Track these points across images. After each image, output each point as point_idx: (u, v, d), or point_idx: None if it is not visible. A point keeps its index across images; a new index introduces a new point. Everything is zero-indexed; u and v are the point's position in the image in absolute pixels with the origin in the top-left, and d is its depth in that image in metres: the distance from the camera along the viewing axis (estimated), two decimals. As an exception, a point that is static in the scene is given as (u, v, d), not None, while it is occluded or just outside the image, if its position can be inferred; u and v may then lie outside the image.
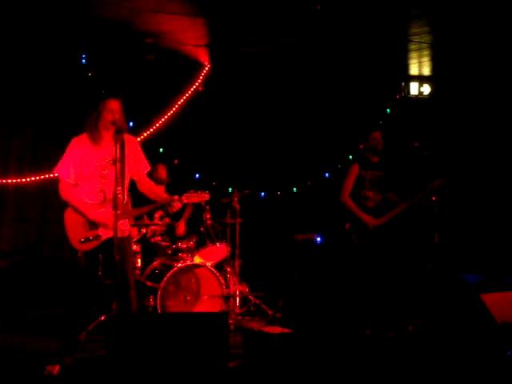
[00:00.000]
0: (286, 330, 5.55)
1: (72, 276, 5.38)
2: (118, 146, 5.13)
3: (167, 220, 7.64)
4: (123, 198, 5.27)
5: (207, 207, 7.63)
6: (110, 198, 5.22)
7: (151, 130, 8.94)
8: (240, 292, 7.71)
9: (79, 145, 5.39)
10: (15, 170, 8.29)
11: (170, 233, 7.76)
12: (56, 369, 5.18)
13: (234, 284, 7.67)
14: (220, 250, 7.68)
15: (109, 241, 5.19)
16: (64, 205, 5.40)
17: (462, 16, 7.33)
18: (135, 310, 5.40)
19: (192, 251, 7.47)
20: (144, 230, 7.46)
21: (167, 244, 7.57)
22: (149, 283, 7.14)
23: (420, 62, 9.11)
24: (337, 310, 6.89)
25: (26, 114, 8.35)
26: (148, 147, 7.15)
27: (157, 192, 5.65)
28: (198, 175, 9.34)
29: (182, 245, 7.48)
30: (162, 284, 6.93)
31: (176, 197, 5.43)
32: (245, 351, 5.37)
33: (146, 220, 7.34)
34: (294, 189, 9.77)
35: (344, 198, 7.17)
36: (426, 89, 9.59)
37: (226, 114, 9.41)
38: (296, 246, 8.58)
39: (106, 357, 4.51)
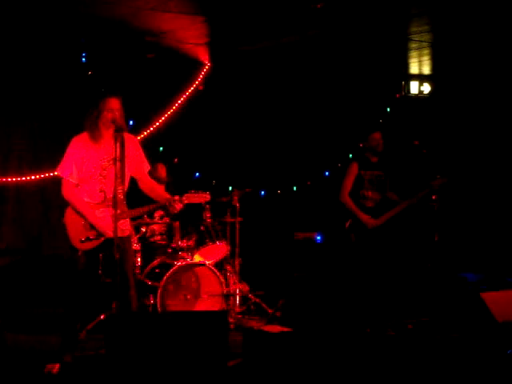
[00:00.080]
0: (285, 329, 5.55)
1: (72, 275, 5.38)
2: (118, 144, 5.12)
3: (167, 220, 7.63)
4: (124, 198, 5.27)
5: (207, 206, 7.62)
6: (110, 198, 5.22)
7: (151, 128, 8.94)
8: (240, 291, 7.71)
9: (80, 144, 5.38)
10: (15, 168, 8.29)
11: (169, 233, 7.75)
12: (56, 367, 5.19)
13: (234, 283, 7.66)
14: (220, 248, 7.68)
15: (109, 240, 5.19)
16: (65, 204, 5.40)
17: (462, 15, 7.33)
18: (135, 309, 5.40)
19: (192, 250, 7.47)
20: (144, 229, 7.46)
21: (167, 243, 7.56)
22: (149, 282, 7.13)
23: (420, 61, 9.11)
24: (337, 309, 6.89)
25: (26, 112, 8.34)
26: (148, 146, 7.15)
27: (158, 191, 5.65)
28: (197, 174, 9.34)
29: (181, 244, 7.48)
30: (162, 283, 6.92)
31: (177, 197, 5.42)
32: (245, 350, 5.37)
33: (146, 219, 7.34)
34: (294, 187, 9.77)
35: (343, 197, 7.17)
36: (426, 88, 9.58)
37: (226, 112, 9.41)
38: (296, 244, 8.58)
39: (106, 355, 4.51)
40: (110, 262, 5.06)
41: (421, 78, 9.58)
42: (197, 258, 7.43)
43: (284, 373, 4.98)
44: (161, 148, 9.07)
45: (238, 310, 7.57)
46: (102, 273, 6.79)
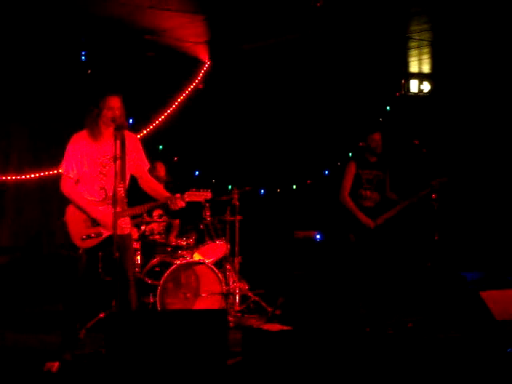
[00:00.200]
0: (285, 328, 5.55)
1: (72, 273, 5.38)
2: (118, 142, 5.12)
3: (166, 219, 7.63)
4: (124, 196, 5.26)
5: (207, 204, 7.62)
6: (111, 195, 5.22)
7: (151, 127, 8.93)
8: (239, 289, 7.71)
9: (80, 141, 5.39)
10: (15, 166, 8.29)
11: (168, 231, 7.75)
12: (55, 365, 5.18)
13: (234, 281, 7.67)
14: (219, 247, 7.68)
15: (110, 238, 5.18)
16: (65, 202, 5.41)
17: (461, 13, 7.33)
18: (135, 307, 5.40)
19: (191, 248, 7.46)
20: (143, 228, 7.46)
21: (166, 241, 7.56)
22: (148, 280, 7.13)
23: (420, 60, 9.11)
24: (336, 308, 6.89)
25: (26, 111, 8.34)
26: (148, 144, 7.15)
27: (158, 189, 5.64)
28: (197, 172, 9.34)
29: (181, 242, 7.48)
30: (162, 281, 6.92)
31: (178, 195, 5.42)
32: (244, 349, 5.37)
33: (145, 217, 7.34)
34: (294, 186, 9.76)
35: (343, 197, 7.16)
36: (426, 86, 9.58)
37: (226, 111, 9.41)
38: (295, 243, 8.58)
39: (106, 354, 4.51)
40: (110, 260, 5.06)
41: (421, 76, 9.58)
42: (196, 257, 7.43)
43: (284, 371, 4.98)
44: (160, 146, 9.06)
45: (237, 308, 7.57)
46: (101, 271, 6.79)
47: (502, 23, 7.53)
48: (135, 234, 7.15)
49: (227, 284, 7.46)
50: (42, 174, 8.23)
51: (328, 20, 7.55)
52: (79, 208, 5.32)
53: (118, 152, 5.09)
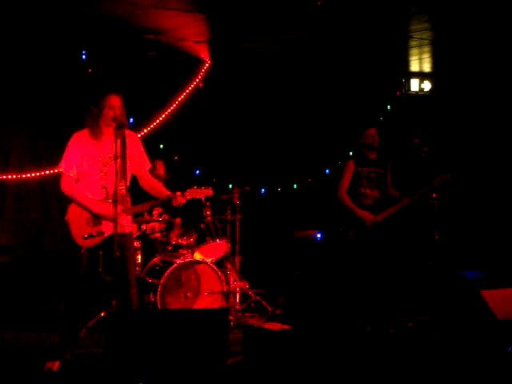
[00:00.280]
0: (286, 327, 5.55)
1: (73, 272, 5.38)
2: (118, 141, 5.12)
3: (166, 217, 7.63)
4: (126, 194, 5.27)
5: (207, 203, 7.63)
6: (112, 194, 5.22)
7: (151, 126, 8.93)
8: (240, 288, 7.71)
9: (80, 140, 5.38)
10: (15, 165, 8.29)
11: (168, 230, 7.75)
12: (56, 365, 5.18)
13: (234, 280, 7.67)
14: (220, 246, 7.68)
15: (111, 237, 5.17)
16: (66, 201, 5.40)
17: (462, 13, 7.32)
18: (135, 306, 5.40)
19: (192, 248, 7.47)
20: (144, 227, 7.46)
21: (167, 240, 7.56)
22: (149, 279, 7.14)
23: (420, 59, 9.10)
24: (337, 307, 6.89)
25: (26, 110, 8.34)
26: (148, 143, 7.14)
27: (158, 188, 5.64)
28: (198, 171, 9.34)
29: (182, 241, 7.48)
30: (162, 280, 6.93)
31: (179, 193, 5.42)
32: (245, 348, 5.37)
33: (146, 216, 7.35)
34: (295, 185, 9.76)
35: (340, 195, 7.15)
36: (427, 85, 9.58)
37: (227, 110, 9.41)
38: (296, 242, 8.58)
39: (106, 353, 4.51)
40: (111, 259, 5.06)
41: (421, 75, 9.57)
42: (197, 256, 7.43)
43: (284, 371, 4.98)
44: (161, 145, 9.06)
45: (238, 307, 7.57)
46: (102, 270, 6.79)
47: (502, 22, 7.53)
48: (134, 230, 7.15)
49: (228, 283, 7.46)
50: (42, 173, 8.22)
51: (328, 19, 7.55)
52: (81, 205, 5.32)
53: (119, 151, 5.10)
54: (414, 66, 9.43)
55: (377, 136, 7.22)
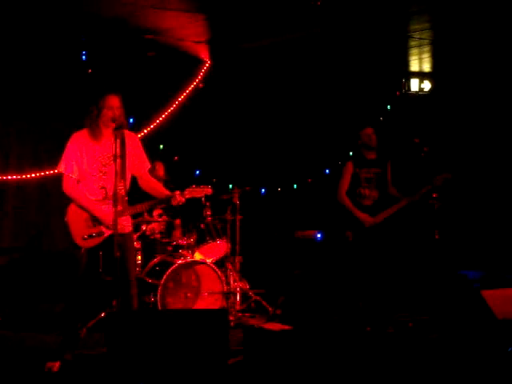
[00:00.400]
0: (286, 327, 5.55)
1: (74, 273, 5.38)
2: (118, 142, 5.12)
3: (166, 218, 7.63)
4: (125, 195, 5.27)
5: (207, 204, 7.63)
6: (111, 195, 5.22)
7: (151, 126, 8.93)
8: (240, 289, 7.71)
9: (79, 140, 5.38)
10: (15, 166, 8.29)
11: (168, 231, 7.75)
12: (56, 365, 5.18)
13: (235, 281, 7.66)
14: (220, 246, 7.68)
15: (111, 238, 5.18)
16: (65, 202, 5.40)
17: (462, 12, 7.32)
18: (136, 307, 5.40)
19: (192, 248, 7.47)
20: (144, 228, 7.46)
21: (167, 241, 7.57)
22: (149, 280, 7.14)
23: (420, 59, 9.10)
24: (337, 307, 6.89)
25: (26, 110, 8.34)
26: (148, 144, 7.13)
27: (158, 189, 5.64)
28: (198, 172, 9.34)
29: (182, 241, 7.48)
30: (163, 281, 6.93)
31: (178, 192, 5.42)
32: (245, 348, 5.37)
33: (146, 217, 7.35)
34: (295, 185, 9.76)
35: (340, 196, 7.14)
36: (427, 85, 9.58)
37: (227, 110, 9.41)
38: (296, 242, 8.58)
39: (107, 353, 4.51)
40: (111, 259, 5.06)
41: (421, 75, 9.58)
42: (197, 256, 7.43)
43: (284, 371, 4.98)
44: (161, 146, 9.06)
45: (238, 307, 7.57)
46: (102, 271, 6.79)
47: (502, 22, 7.53)
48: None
49: (228, 283, 7.46)
50: (42, 173, 8.22)
51: (328, 19, 7.55)
52: (82, 207, 5.32)
53: (118, 151, 5.10)
54: (414, 66, 9.43)
55: (374, 135, 7.21)
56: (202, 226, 7.70)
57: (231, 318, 7.17)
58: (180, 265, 7.07)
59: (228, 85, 9.34)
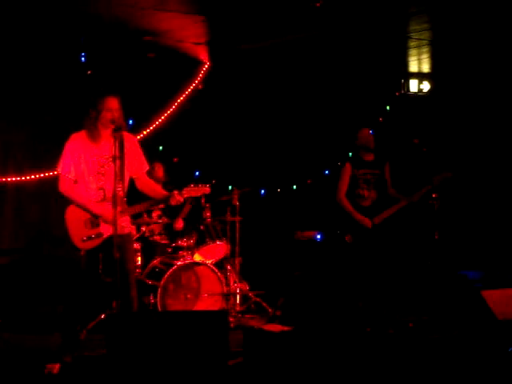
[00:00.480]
0: (286, 328, 5.55)
1: (73, 274, 5.38)
2: (116, 143, 5.13)
3: (165, 219, 7.63)
4: (124, 196, 5.27)
5: (207, 205, 7.63)
6: (109, 196, 5.22)
7: (151, 128, 8.92)
8: (240, 290, 7.71)
9: (78, 141, 5.39)
10: (15, 168, 8.28)
11: (168, 231, 7.74)
12: (56, 367, 5.18)
13: (234, 282, 7.66)
14: (220, 248, 7.68)
15: (110, 239, 5.18)
16: (64, 203, 5.40)
17: (461, 13, 7.32)
18: (136, 308, 5.40)
19: (192, 249, 7.46)
20: (143, 229, 7.46)
21: (167, 242, 7.57)
22: (149, 281, 7.13)
23: (419, 59, 9.10)
24: (337, 308, 6.88)
25: (25, 112, 8.33)
26: (147, 145, 7.12)
27: (156, 190, 5.65)
28: (197, 173, 9.33)
29: (181, 243, 7.48)
30: (162, 282, 6.92)
31: (176, 191, 5.42)
32: (245, 349, 5.37)
33: (145, 218, 7.35)
34: (294, 186, 9.76)
35: (339, 198, 7.15)
36: (426, 86, 9.59)
37: (226, 111, 9.40)
38: (296, 243, 8.58)
39: (107, 355, 4.50)
40: (111, 260, 5.06)
41: (420, 76, 9.58)
42: (197, 258, 7.43)
43: (284, 372, 4.98)
44: (160, 147, 9.06)
45: (238, 309, 7.57)
46: (102, 272, 6.78)
47: (501, 22, 7.53)
48: (133, 232, 7.15)
49: (228, 285, 7.46)
50: (41, 175, 8.22)
51: (327, 20, 7.55)
52: (79, 206, 5.32)
53: (117, 152, 5.10)
54: (413, 67, 9.43)
55: (371, 136, 7.23)
56: (202, 227, 7.70)
57: (231, 320, 7.17)
58: (180, 266, 7.06)
59: (227, 86, 9.33)
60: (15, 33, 7.79)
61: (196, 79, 9.23)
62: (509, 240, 8.50)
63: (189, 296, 7.23)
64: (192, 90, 9.22)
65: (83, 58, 8.40)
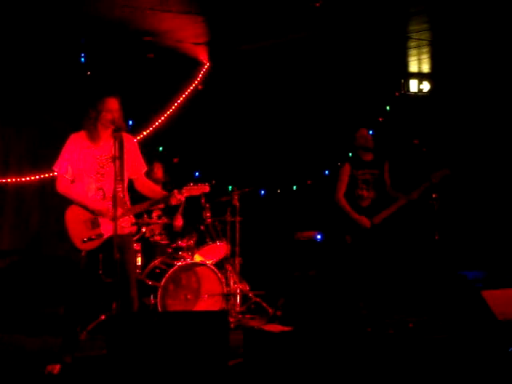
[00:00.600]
0: (286, 329, 5.54)
1: (73, 275, 5.38)
2: (116, 144, 5.13)
3: (165, 220, 7.63)
4: (123, 196, 5.27)
5: (207, 205, 7.63)
6: (109, 196, 5.23)
7: (151, 128, 8.93)
8: (240, 290, 7.71)
9: (77, 141, 5.39)
10: (15, 169, 8.28)
11: (168, 231, 7.74)
12: (56, 368, 5.18)
13: (235, 282, 7.66)
14: (220, 248, 7.68)
15: (110, 239, 5.18)
16: (65, 204, 5.40)
17: (461, 13, 7.32)
18: (136, 309, 5.39)
19: (192, 250, 7.46)
20: (143, 229, 7.46)
21: (167, 242, 7.56)
22: (149, 282, 7.13)
23: (419, 59, 9.10)
24: (337, 308, 6.88)
25: (25, 113, 8.33)
26: (147, 146, 7.13)
27: (155, 190, 5.65)
28: (197, 173, 9.33)
29: (182, 243, 7.47)
30: (163, 283, 6.92)
31: (176, 190, 5.42)
32: (245, 350, 5.37)
33: (145, 218, 7.34)
34: (294, 187, 9.76)
35: (338, 198, 7.15)
36: (426, 86, 9.58)
37: (226, 112, 9.40)
38: (296, 244, 8.57)
39: (107, 356, 4.51)
40: (111, 261, 5.05)
41: (420, 76, 9.58)
42: (197, 258, 7.43)
43: (284, 372, 4.98)
44: (160, 148, 9.06)
45: (238, 309, 7.57)
46: (102, 273, 6.79)
47: (501, 22, 7.53)
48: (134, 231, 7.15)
49: (228, 285, 7.46)
50: (41, 176, 8.22)
51: (327, 20, 7.55)
52: (78, 204, 5.32)
53: (117, 153, 5.11)
54: (413, 67, 9.43)
55: (369, 136, 7.23)
56: (202, 227, 7.69)
57: (231, 320, 7.17)
58: (180, 267, 7.06)
59: (227, 86, 9.33)
60: (15, 34, 7.79)
61: (196, 80, 9.23)
62: (509, 240, 8.49)
63: (189, 296, 7.23)
64: (192, 90, 9.22)
65: (83, 59, 8.41)
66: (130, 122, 7.83)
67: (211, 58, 9.07)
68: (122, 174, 5.20)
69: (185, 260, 7.19)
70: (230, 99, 9.39)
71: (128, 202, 5.46)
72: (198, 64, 9.18)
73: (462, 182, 8.84)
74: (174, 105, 9.11)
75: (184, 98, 9.17)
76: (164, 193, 5.59)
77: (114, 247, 4.99)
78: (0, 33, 7.68)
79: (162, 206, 7.23)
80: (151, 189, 5.63)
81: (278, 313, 7.32)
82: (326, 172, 9.64)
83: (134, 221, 5.68)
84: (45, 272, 8.16)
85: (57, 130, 8.16)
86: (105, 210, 5.27)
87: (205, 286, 7.27)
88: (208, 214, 7.64)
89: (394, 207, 7.10)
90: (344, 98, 9.48)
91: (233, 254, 7.77)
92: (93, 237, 5.30)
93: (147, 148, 7.45)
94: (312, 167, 9.68)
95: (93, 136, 5.38)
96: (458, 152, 9.18)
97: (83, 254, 5.31)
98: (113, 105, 5.34)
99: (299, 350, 5.10)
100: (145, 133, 8.84)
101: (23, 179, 8.24)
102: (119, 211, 5.14)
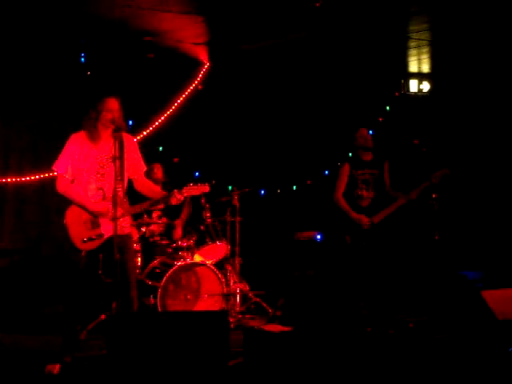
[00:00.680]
0: (286, 329, 5.54)
1: (73, 275, 5.38)
2: (116, 144, 5.13)
3: (165, 220, 7.63)
4: (123, 196, 5.27)
5: (207, 205, 7.63)
6: (109, 196, 5.23)
7: (151, 128, 8.93)
8: (240, 290, 7.70)
9: (77, 141, 5.40)
10: (15, 169, 8.28)
11: (168, 233, 7.74)
12: (56, 368, 5.18)
13: (235, 282, 7.66)
14: (220, 248, 7.68)
15: (110, 240, 5.18)
16: (65, 204, 5.40)
17: (461, 13, 7.33)
18: (136, 309, 5.39)
19: (192, 250, 7.46)
20: (143, 230, 7.46)
21: (167, 242, 7.56)
22: (149, 282, 7.13)
23: (419, 59, 9.10)
24: (337, 308, 6.88)
25: (25, 112, 8.34)
26: (147, 146, 7.12)
27: (155, 190, 5.65)
28: (197, 173, 9.33)
29: (181, 243, 7.47)
30: (163, 283, 6.92)
31: (176, 190, 5.42)
32: (245, 350, 5.37)
33: (145, 218, 7.34)
34: (294, 187, 9.76)
35: (336, 198, 7.16)
36: (426, 86, 9.59)
37: (226, 112, 9.40)
38: (296, 244, 8.57)
39: (107, 356, 4.50)
40: (111, 262, 5.06)
41: (420, 76, 9.58)
42: (197, 258, 7.43)
43: (284, 372, 4.98)
44: (160, 148, 9.06)
45: (238, 309, 7.57)
46: (102, 273, 6.79)
47: (501, 23, 7.53)
48: (135, 235, 7.15)
49: (228, 285, 7.46)
50: (42, 176, 8.22)
51: (327, 20, 7.55)
52: (77, 204, 5.32)
53: (117, 153, 5.11)
54: (413, 67, 9.43)
55: (369, 136, 7.23)
56: (202, 227, 7.70)
57: (231, 320, 7.17)
58: (180, 267, 7.06)
59: (227, 86, 9.33)
60: (15, 34, 7.79)
61: (196, 80, 9.23)
62: (509, 240, 8.49)
63: (189, 296, 7.23)
64: (192, 90, 9.22)
65: (83, 59, 8.41)
66: (130, 122, 7.82)
67: (211, 58, 9.08)
68: (122, 174, 5.20)
69: (185, 260, 7.19)
70: (230, 99, 9.39)
71: (127, 202, 5.45)
72: (198, 64, 9.18)
73: (461, 182, 8.84)
74: (173, 105, 9.11)
75: (184, 98, 9.17)
76: (164, 193, 5.60)
77: (114, 247, 4.99)
78: (1, 33, 7.68)
79: (161, 206, 7.23)
80: (151, 189, 5.63)
81: (278, 313, 7.32)
82: (326, 172, 9.64)
83: (131, 223, 5.68)
84: (45, 272, 8.16)
85: (57, 130, 8.16)
86: (104, 210, 5.27)
87: (205, 286, 7.27)
88: (208, 214, 7.64)
89: (394, 207, 7.10)
90: (344, 98, 9.48)
91: (233, 254, 7.77)
92: (93, 237, 5.30)
93: (147, 148, 7.45)
94: (312, 167, 9.68)
95: (93, 136, 5.38)
96: (458, 152, 9.19)
97: (83, 253, 5.31)
98: (113, 105, 5.34)
99: (299, 350, 5.10)
100: (145, 133, 8.84)
101: (23, 179, 8.24)
102: (119, 211, 5.14)
